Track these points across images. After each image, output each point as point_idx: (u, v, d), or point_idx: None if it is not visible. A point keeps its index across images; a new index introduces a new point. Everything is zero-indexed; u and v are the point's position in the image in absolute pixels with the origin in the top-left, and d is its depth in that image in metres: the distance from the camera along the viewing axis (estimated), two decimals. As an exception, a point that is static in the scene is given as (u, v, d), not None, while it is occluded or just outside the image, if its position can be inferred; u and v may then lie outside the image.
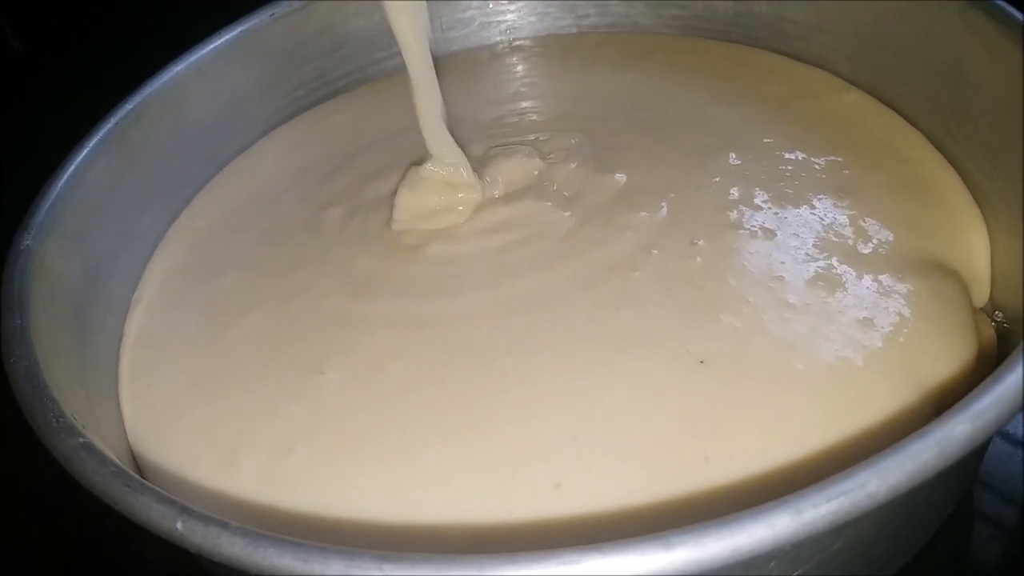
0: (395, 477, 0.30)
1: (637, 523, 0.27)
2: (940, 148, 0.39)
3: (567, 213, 0.38)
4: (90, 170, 0.38)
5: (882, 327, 0.31)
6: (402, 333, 0.34)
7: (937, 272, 0.33)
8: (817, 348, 0.31)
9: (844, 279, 0.33)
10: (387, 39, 0.50)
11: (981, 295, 0.34)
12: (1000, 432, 0.36)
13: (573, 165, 0.41)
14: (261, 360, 0.35)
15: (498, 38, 0.52)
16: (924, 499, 0.29)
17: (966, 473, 0.33)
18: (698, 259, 0.34)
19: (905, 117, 0.41)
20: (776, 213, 0.36)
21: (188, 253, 0.41)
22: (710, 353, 0.31)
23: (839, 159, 0.38)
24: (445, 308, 0.35)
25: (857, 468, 0.21)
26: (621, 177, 0.39)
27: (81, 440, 0.26)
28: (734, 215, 0.36)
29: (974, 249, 0.35)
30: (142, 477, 0.32)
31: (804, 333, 0.31)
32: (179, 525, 0.23)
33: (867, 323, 0.31)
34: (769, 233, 0.35)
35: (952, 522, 0.32)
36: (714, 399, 0.30)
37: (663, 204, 0.37)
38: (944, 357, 0.30)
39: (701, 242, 0.35)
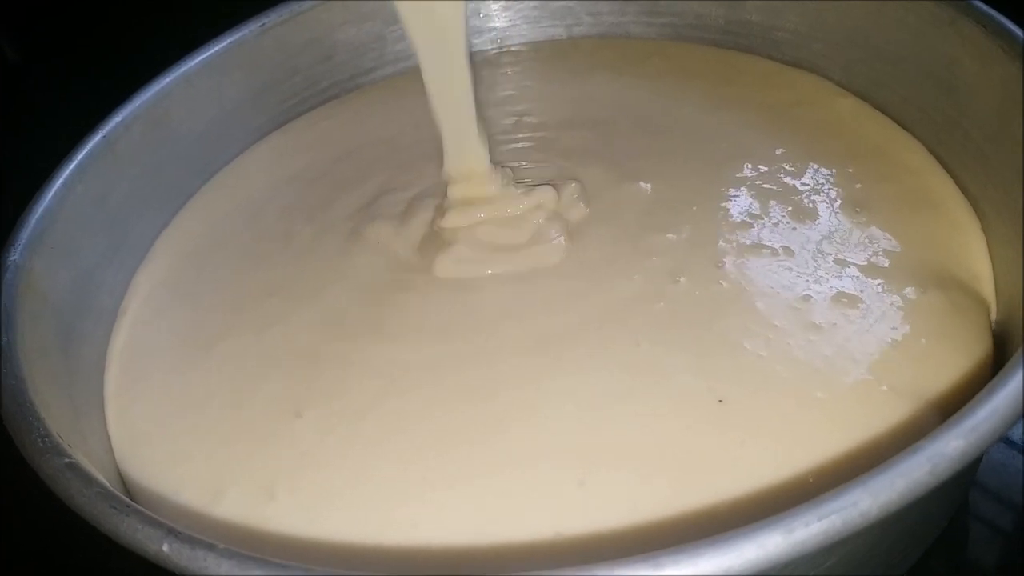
0: (381, 533, 0.28)
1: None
2: (933, 155, 0.39)
3: (592, 243, 0.37)
4: (78, 183, 0.38)
5: (907, 346, 0.31)
6: (383, 378, 0.33)
7: (956, 287, 0.33)
8: (841, 372, 0.30)
9: (867, 295, 0.33)
10: (377, 48, 0.50)
11: (992, 309, 0.34)
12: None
13: (597, 170, 0.40)
14: (236, 395, 0.34)
15: (488, 46, 0.52)
16: (918, 514, 0.28)
17: (961, 485, 0.33)
18: (723, 284, 0.34)
19: (897, 123, 0.41)
20: (795, 228, 0.36)
21: (171, 268, 0.41)
22: (730, 391, 0.30)
23: (849, 170, 0.38)
24: (434, 352, 0.34)
25: (849, 486, 0.21)
26: (646, 186, 0.39)
27: (67, 460, 0.26)
28: (756, 232, 0.36)
29: (981, 263, 0.34)
30: (129, 493, 0.32)
31: (830, 356, 0.31)
32: (165, 547, 0.23)
33: (893, 342, 0.31)
34: (790, 251, 0.35)
35: (949, 526, 0.32)
36: (730, 442, 0.29)
37: (687, 222, 0.37)
38: (965, 377, 0.30)
39: (727, 265, 0.34)
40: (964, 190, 0.37)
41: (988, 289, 0.34)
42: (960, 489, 0.33)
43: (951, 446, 0.22)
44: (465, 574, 0.27)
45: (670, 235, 0.36)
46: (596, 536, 0.27)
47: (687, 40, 0.49)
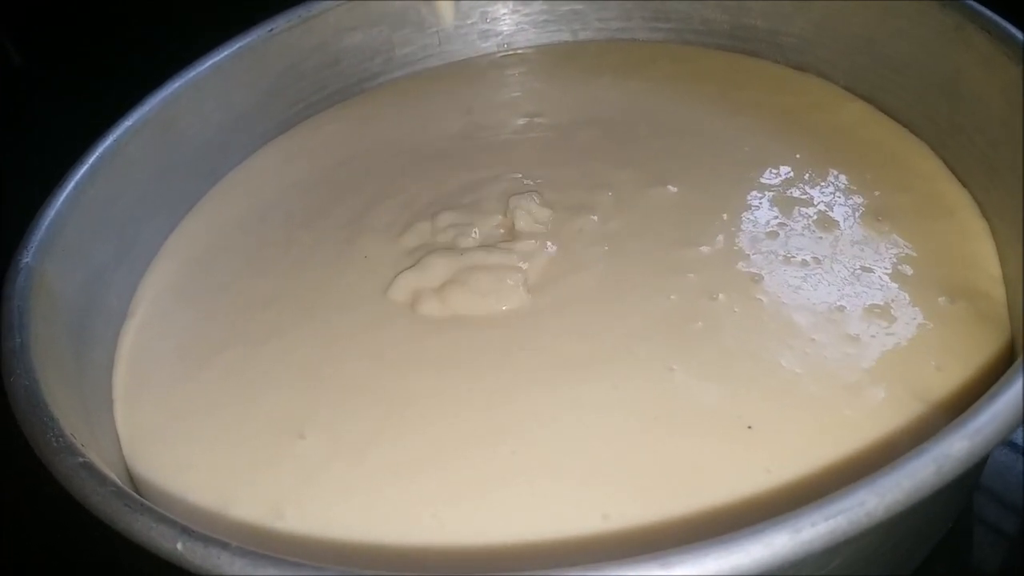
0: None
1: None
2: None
3: (627, 259, 0.36)
4: (89, 187, 0.38)
5: (939, 358, 0.30)
6: (383, 403, 0.32)
7: (980, 295, 0.33)
8: (874, 386, 0.30)
9: (898, 305, 0.32)
10: (384, 53, 0.50)
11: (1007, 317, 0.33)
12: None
13: (623, 173, 0.40)
14: (237, 408, 0.34)
15: (494, 49, 0.52)
16: (923, 515, 0.29)
17: (966, 486, 0.33)
18: (762, 299, 0.33)
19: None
20: (821, 238, 0.36)
21: (178, 272, 0.41)
22: (760, 415, 0.29)
23: (867, 177, 0.38)
24: (438, 381, 0.33)
25: (855, 487, 0.21)
26: (674, 190, 0.39)
27: (81, 460, 0.26)
28: (785, 241, 0.35)
29: (997, 269, 0.34)
30: (139, 493, 0.32)
31: (866, 368, 0.30)
32: (179, 546, 0.23)
33: (927, 357, 0.31)
34: (819, 261, 0.34)
35: (953, 529, 0.32)
36: (755, 470, 0.28)
37: (719, 232, 0.36)
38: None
39: (765, 278, 0.34)
40: (971, 195, 0.37)
41: (1003, 295, 0.34)
42: (964, 491, 0.33)
43: (956, 447, 0.22)
44: (466, 574, 0.27)
45: (704, 248, 0.36)
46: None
47: (693, 45, 0.49)
